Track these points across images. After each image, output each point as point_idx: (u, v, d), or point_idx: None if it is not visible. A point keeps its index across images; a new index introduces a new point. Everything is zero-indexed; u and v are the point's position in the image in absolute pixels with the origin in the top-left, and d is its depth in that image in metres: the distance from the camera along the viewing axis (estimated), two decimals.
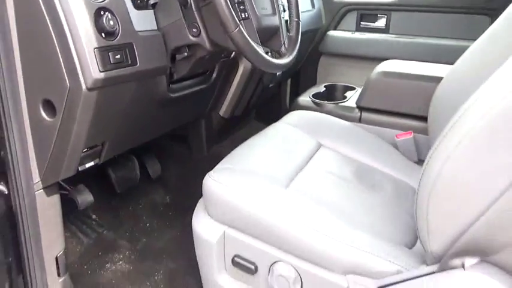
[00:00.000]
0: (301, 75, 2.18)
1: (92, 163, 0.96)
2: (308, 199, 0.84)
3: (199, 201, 0.92)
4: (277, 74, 1.51)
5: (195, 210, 0.91)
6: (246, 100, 1.44)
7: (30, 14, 0.74)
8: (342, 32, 2.10)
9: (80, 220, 1.28)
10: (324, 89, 1.57)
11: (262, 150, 1.01)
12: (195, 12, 0.89)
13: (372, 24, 2.06)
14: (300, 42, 1.89)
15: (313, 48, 2.11)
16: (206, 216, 0.86)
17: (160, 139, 1.53)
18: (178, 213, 1.39)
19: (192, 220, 0.89)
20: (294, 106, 1.47)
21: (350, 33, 2.06)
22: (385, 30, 2.01)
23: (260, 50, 0.88)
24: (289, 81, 2.17)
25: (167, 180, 1.50)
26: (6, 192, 0.86)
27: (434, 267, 0.65)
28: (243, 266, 0.81)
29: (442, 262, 0.64)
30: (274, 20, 1.04)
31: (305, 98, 1.47)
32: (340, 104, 1.39)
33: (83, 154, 0.90)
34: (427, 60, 1.42)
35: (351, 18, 2.12)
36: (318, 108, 1.41)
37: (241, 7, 0.92)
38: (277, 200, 0.81)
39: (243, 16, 0.91)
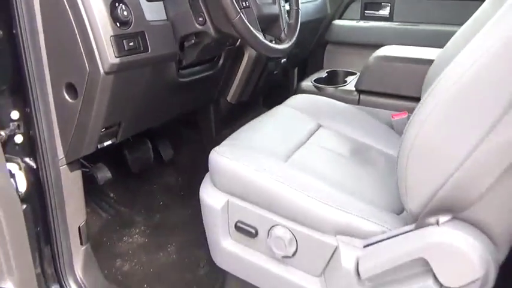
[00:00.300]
0: (308, 63, 2.25)
1: (109, 142, 1.05)
2: (304, 171, 0.92)
3: (207, 174, 1.01)
4: (282, 61, 1.59)
5: (202, 182, 1.00)
6: (252, 86, 1.52)
7: (53, 5, 0.83)
8: (347, 21, 2.16)
9: (99, 198, 1.39)
10: (326, 74, 1.64)
11: (264, 130, 1.09)
12: (201, 3, 0.98)
13: (376, 13, 2.11)
14: (306, 31, 1.97)
15: (320, 37, 2.17)
16: (212, 187, 0.96)
17: (173, 125, 1.63)
18: (189, 193, 1.49)
19: (200, 191, 0.98)
20: (296, 90, 1.54)
21: (355, 21, 2.12)
22: (389, 18, 2.06)
23: (260, 35, 0.96)
24: (296, 69, 2.24)
25: (179, 162, 1.60)
26: (35, 167, 0.96)
27: (413, 226, 0.73)
28: (245, 230, 0.90)
29: (418, 220, 0.71)
30: (274, 9, 1.11)
31: (307, 83, 1.55)
32: (340, 87, 1.47)
33: (102, 133, 1.00)
34: (432, 46, 1.48)
35: (356, 7, 2.17)
36: (319, 92, 1.48)
37: None
38: (275, 171, 0.89)
39: (244, 5, 0.99)
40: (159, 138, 1.57)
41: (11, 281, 0.75)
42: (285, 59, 1.58)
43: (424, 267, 0.71)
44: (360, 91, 1.37)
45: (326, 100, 1.30)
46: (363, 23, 2.09)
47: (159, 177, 1.55)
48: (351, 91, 1.42)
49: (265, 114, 1.19)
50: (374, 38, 2.00)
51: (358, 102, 1.36)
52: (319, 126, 1.19)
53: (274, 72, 1.56)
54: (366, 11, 2.14)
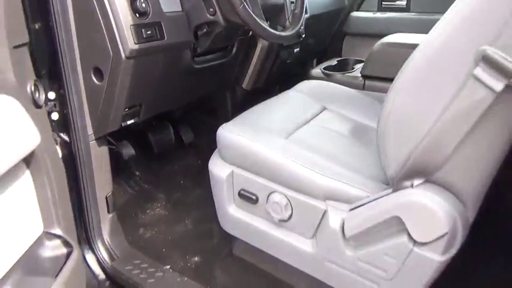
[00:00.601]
0: (327, 54, 2.32)
1: (132, 121, 1.18)
2: (302, 145, 1.01)
3: (216, 150, 1.12)
4: (295, 50, 1.67)
5: (211, 156, 1.12)
6: (266, 74, 1.62)
7: (82, 0, 0.97)
8: (364, 12, 2.21)
9: (126, 175, 1.54)
10: (336, 62, 1.72)
11: (271, 111, 1.19)
12: None
13: (393, 4, 2.15)
14: (322, 22, 2.04)
15: (338, 29, 2.24)
16: (219, 160, 1.07)
17: (193, 111, 1.76)
18: (207, 174, 1.60)
19: (209, 164, 1.10)
20: (306, 77, 1.63)
21: (372, 13, 2.17)
22: (405, 9, 2.10)
23: (263, 23, 1.06)
24: (315, 60, 2.32)
25: (199, 146, 1.73)
26: (68, 141, 1.11)
27: (391, 190, 0.81)
28: (247, 197, 1.01)
29: (395, 184, 0.79)
30: None
31: (317, 70, 1.63)
32: (347, 73, 1.54)
33: (125, 112, 1.13)
34: None
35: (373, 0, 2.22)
36: (328, 78, 1.56)
37: None
38: (275, 145, 0.99)
39: None
40: (181, 123, 1.70)
41: (59, 228, 0.89)
42: (298, 49, 1.67)
43: (399, 226, 0.79)
44: (364, 76, 1.44)
45: (332, 85, 1.38)
46: (379, 14, 2.14)
47: (180, 160, 1.68)
48: (356, 77, 1.48)
49: (274, 98, 1.28)
50: (391, 28, 2.03)
51: (363, 87, 1.43)
52: (324, 108, 1.27)
53: (288, 61, 1.65)
54: (383, 2, 2.18)
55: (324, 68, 1.62)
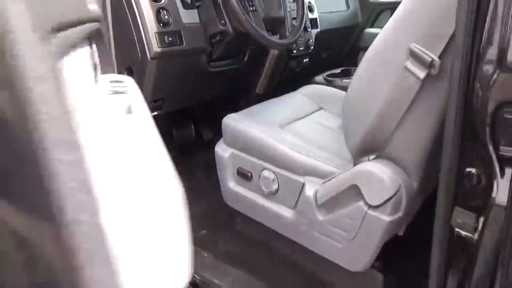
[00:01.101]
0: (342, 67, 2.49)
1: (156, 112, 1.42)
2: (291, 133, 1.20)
3: (222, 137, 1.33)
4: (304, 60, 1.87)
5: (218, 141, 1.33)
6: (276, 80, 1.83)
7: (118, 11, 1.22)
8: (377, 29, 2.38)
9: None
10: (340, 71, 1.90)
11: (271, 107, 1.39)
12: (223, 10, 1.32)
13: None
14: (336, 37, 2.23)
15: (353, 44, 2.42)
16: (223, 144, 1.28)
17: (213, 112, 1.99)
18: None
19: (215, 147, 1.31)
20: (309, 82, 1.81)
21: None
22: None
23: (264, 32, 1.27)
24: None
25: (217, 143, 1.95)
26: None
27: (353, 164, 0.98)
28: (243, 174, 1.20)
29: (355, 159, 0.97)
30: (280, 12, 1.43)
31: (320, 77, 1.82)
32: (345, 79, 1.71)
33: (150, 105, 1.37)
34: None
35: (386, 17, 2.39)
36: (329, 84, 1.74)
37: (250, 3, 1.33)
38: (269, 132, 1.18)
39: (252, 9, 1.32)
40: (202, 122, 1.94)
41: None
42: (307, 59, 1.87)
43: (357, 192, 0.95)
44: None
45: (332, 90, 1.56)
46: None
47: (200, 155, 1.90)
48: None
49: (276, 98, 1.49)
50: None
51: None
52: (320, 108, 1.46)
53: (297, 70, 1.86)
54: None
55: (328, 75, 1.80)
